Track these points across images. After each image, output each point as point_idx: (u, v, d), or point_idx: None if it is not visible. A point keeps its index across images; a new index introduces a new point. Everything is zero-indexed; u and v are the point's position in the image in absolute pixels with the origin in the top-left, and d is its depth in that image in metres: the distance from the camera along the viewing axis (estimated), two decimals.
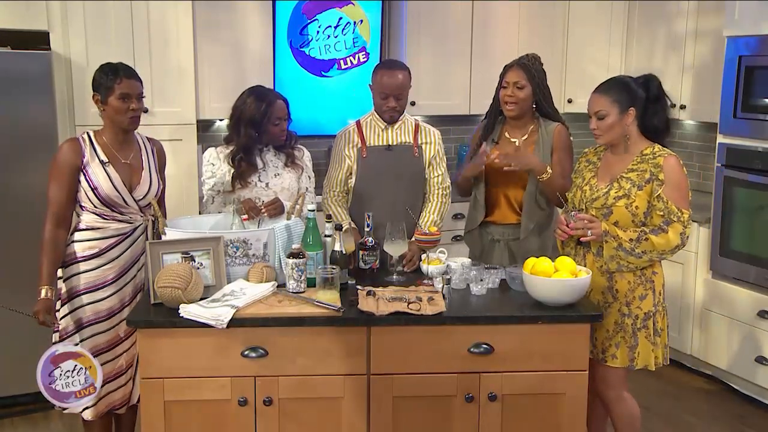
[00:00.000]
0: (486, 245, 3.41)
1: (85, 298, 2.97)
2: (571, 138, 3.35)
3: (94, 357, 2.71)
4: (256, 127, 3.16)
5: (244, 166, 3.18)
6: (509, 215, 3.34)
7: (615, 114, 2.85)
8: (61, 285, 2.99)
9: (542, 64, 3.29)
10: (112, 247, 2.98)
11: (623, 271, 2.88)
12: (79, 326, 2.98)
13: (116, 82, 2.90)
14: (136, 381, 3.10)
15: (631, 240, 2.80)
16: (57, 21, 4.01)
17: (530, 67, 3.23)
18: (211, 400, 2.62)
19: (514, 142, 3.31)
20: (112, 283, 2.99)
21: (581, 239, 2.89)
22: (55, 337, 2.99)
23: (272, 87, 4.45)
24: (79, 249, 2.96)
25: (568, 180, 3.17)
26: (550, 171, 3.15)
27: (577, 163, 3.17)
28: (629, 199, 2.84)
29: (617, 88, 2.88)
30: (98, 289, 2.98)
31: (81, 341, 2.96)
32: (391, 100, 3.26)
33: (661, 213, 2.81)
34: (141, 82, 2.99)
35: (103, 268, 2.97)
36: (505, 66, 3.31)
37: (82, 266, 2.96)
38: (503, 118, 3.35)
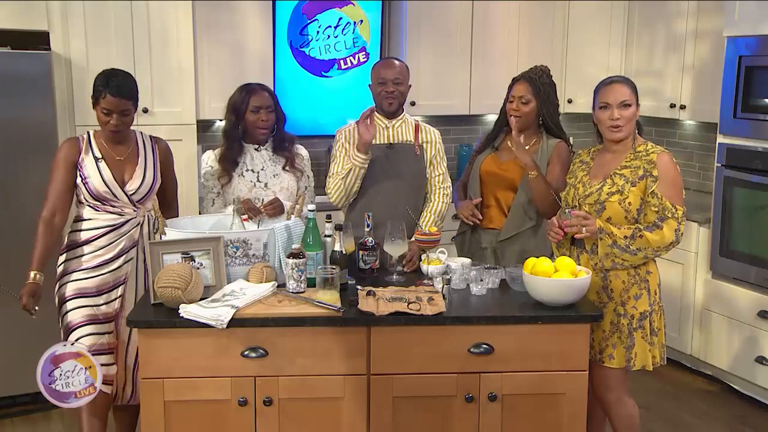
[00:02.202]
0: (474, 254, 3.39)
1: (70, 276, 3.06)
2: (573, 155, 3.34)
3: (80, 327, 2.86)
4: (236, 113, 3.29)
5: (223, 151, 3.31)
6: (497, 218, 3.33)
7: (635, 105, 2.89)
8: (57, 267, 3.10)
9: (551, 77, 3.29)
10: (100, 237, 3.06)
11: (618, 269, 2.87)
12: (62, 300, 3.06)
13: (101, 96, 2.96)
14: (136, 383, 3.12)
15: (625, 237, 2.80)
16: (57, 21, 4.01)
17: (537, 81, 3.24)
18: (211, 400, 2.62)
19: None
20: (95, 267, 3.05)
21: (576, 236, 2.89)
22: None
23: (272, 87, 4.45)
24: (76, 237, 3.08)
25: (560, 187, 3.16)
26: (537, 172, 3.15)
27: (570, 164, 3.16)
28: (622, 195, 2.84)
29: (631, 82, 2.92)
30: (79, 270, 3.05)
31: (70, 310, 3.02)
32: (389, 85, 3.26)
33: (656, 209, 2.81)
34: (131, 98, 3.01)
35: (94, 254, 3.05)
36: (513, 78, 3.32)
37: (74, 252, 3.07)
38: (507, 129, 3.35)
